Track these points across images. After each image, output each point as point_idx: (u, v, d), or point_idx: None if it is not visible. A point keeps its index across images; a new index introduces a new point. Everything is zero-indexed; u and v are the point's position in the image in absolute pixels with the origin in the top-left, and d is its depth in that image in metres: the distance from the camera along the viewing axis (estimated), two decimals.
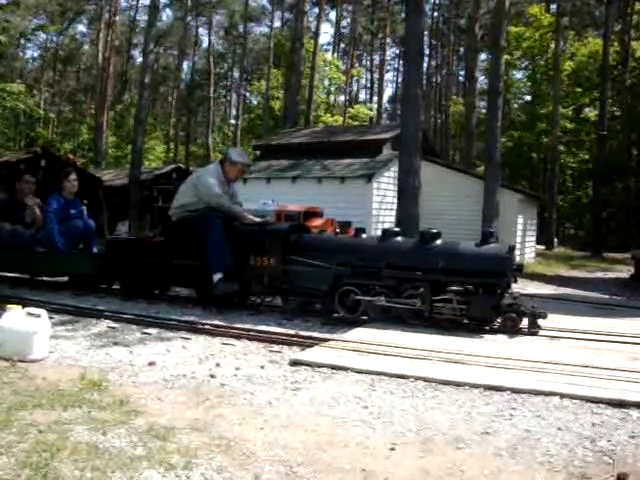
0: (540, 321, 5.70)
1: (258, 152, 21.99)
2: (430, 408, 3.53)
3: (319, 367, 4.33)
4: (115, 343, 5.13)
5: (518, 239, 16.96)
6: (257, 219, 6.98)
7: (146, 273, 7.26)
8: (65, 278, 8.36)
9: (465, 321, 5.81)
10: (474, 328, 5.73)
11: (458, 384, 3.93)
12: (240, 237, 6.62)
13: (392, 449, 2.95)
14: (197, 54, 49.24)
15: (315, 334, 5.53)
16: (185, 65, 49.50)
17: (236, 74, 49.05)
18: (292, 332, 5.59)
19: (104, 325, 5.84)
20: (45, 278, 8.43)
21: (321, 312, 6.40)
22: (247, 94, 46.18)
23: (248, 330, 5.63)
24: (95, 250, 8.22)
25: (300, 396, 3.75)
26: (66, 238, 8.01)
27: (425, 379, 4.01)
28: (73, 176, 8.25)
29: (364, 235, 6.56)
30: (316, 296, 6.35)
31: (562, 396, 3.68)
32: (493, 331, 5.69)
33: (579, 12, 38.82)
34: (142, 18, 41.11)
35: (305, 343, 5.14)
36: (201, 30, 48.98)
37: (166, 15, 47.79)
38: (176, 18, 45.60)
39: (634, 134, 26.91)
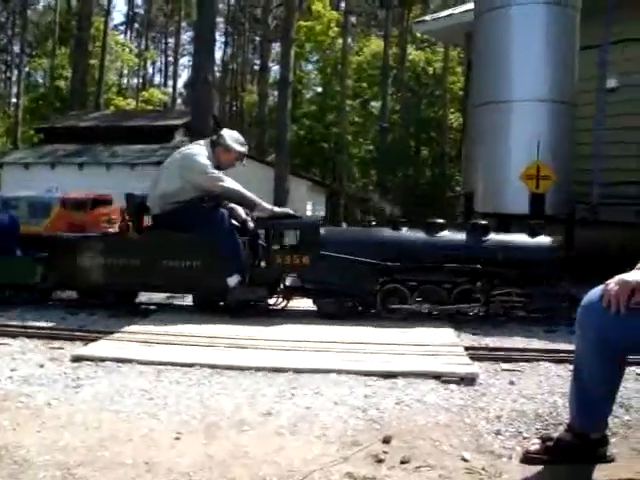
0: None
1: (42, 135, 20.48)
2: (215, 394, 3.59)
3: (103, 361, 4.18)
4: None
5: None
6: (277, 209, 6.08)
7: (121, 277, 5.96)
8: None
9: (521, 314, 5.71)
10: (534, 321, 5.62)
11: (243, 368, 4.03)
12: (262, 231, 5.86)
13: (177, 439, 2.96)
14: None
15: (100, 328, 5.32)
16: None
17: (17, 48, 44.60)
18: (75, 327, 5.32)
19: None
20: None
21: (359, 313, 5.84)
22: (31, 71, 42.33)
23: (26, 327, 5.25)
24: (19, 252, 6.59)
25: (82, 393, 3.60)
26: None
27: (211, 366, 4.05)
28: None
29: (404, 229, 6.03)
30: (353, 296, 5.79)
31: (339, 372, 3.93)
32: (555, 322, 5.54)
33: (365, 12, 41.40)
34: None
35: (89, 337, 4.92)
36: None
37: None
38: None
39: (411, 127, 29.35)
